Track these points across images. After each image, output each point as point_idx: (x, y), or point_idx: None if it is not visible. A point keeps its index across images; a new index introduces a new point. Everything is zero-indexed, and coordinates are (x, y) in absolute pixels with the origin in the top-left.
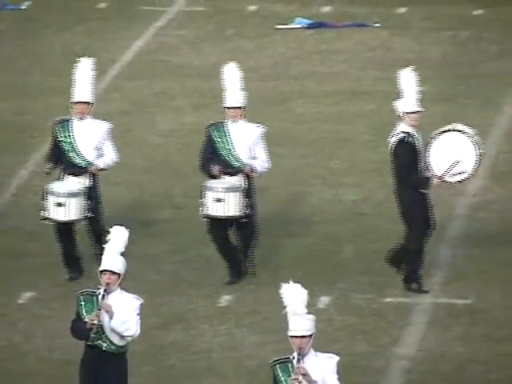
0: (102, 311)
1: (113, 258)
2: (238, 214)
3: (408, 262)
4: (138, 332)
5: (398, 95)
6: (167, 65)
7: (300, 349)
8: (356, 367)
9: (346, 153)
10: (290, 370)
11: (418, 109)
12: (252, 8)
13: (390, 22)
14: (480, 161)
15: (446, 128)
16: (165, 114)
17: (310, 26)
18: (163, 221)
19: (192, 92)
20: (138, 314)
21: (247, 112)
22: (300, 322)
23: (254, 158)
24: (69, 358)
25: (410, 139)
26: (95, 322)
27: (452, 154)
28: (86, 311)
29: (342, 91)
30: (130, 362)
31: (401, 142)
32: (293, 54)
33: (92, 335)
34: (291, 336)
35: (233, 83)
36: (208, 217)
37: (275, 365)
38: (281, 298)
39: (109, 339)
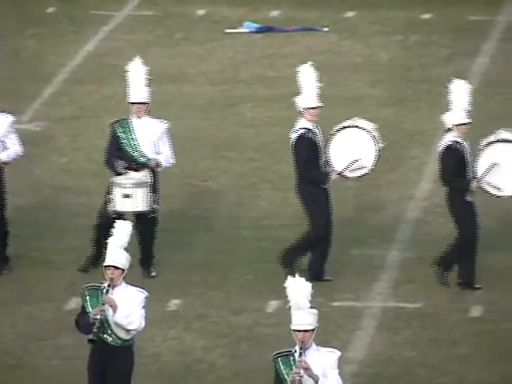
0: (106, 305)
1: (116, 253)
2: (146, 209)
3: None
4: (143, 325)
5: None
6: (116, 69)
7: (302, 343)
8: None
9: None
10: (292, 363)
11: (318, 104)
12: (201, 12)
13: (338, 26)
14: (379, 156)
15: (346, 124)
16: (113, 119)
17: (258, 31)
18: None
19: None
20: (143, 308)
21: (196, 115)
22: (303, 316)
23: (159, 153)
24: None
25: (310, 135)
26: (98, 316)
27: (352, 150)
28: (91, 306)
29: (291, 95)
30: (81, 366)
31: (301, 137)
32: (242, 58)
33: (97, 329)
34: (294, 330)
35: (137, 79)
36: (116, 213)
37: (277, 358)
38: (230, 301)
39: (114, 333)
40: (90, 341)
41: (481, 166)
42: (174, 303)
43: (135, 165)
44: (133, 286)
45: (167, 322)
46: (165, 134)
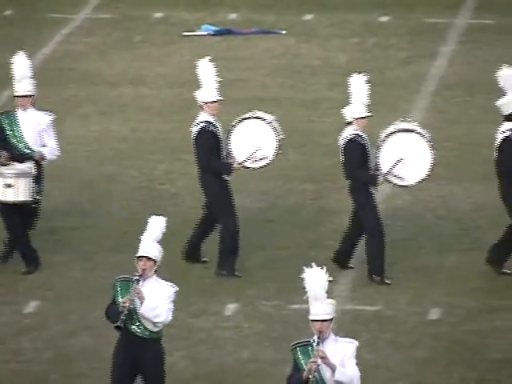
0: (135, 296)
1: (149, 244)
2: (27, 199)
3: None
4: (169, 319)
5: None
6: (74, 72)
7: (320, 332)
8: (264, 374)
9: None
10: (310, 353)
11: (218, 98)
12: (159, 15)
13: (296, 28)
14: (280, 147)
15: (247, 115)
16: (72, 122)
17: (216, 33)
18: (70, 228)
19: (99, 99)
20: (172, 302)
21: (155, 118)
22: (320, 307)
23: (44, 146)
24: None
25: (212, 128)
26: (127, 304)
27: (253, 141)
28: (122, 297)
29: (249, 98)
30: (40, 369)
31: (202, 130)
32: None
33: (124, 318)
34: (312, 320)
35: (21, 72)
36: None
37: (296, 348)
38: (189, 304)
39: (142, 324)
40: (116, 327)
41: (383, 157)
42: None
43: (19, 156)
44: (164, 280)
45: None
46: (50, 126)
